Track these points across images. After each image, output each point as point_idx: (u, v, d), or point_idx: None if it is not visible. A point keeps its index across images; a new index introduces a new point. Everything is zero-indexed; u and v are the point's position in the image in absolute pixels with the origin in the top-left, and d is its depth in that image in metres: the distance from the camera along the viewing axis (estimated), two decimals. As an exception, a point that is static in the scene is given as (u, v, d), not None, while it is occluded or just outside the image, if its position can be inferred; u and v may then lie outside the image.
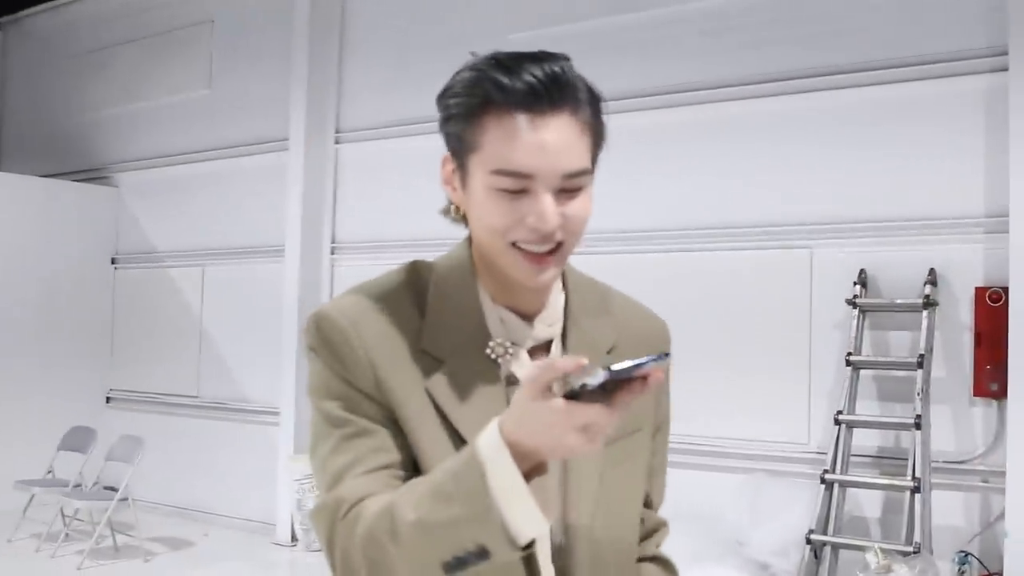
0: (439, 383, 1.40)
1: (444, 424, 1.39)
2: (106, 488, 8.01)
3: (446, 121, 1.43)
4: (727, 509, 6.24)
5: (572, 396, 1.16)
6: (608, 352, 1.52)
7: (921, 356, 5.86)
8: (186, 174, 9.85)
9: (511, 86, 1.34)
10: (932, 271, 6.01)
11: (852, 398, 6.14)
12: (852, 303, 6.20)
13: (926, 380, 5.86)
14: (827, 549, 5.94)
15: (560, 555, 1.44)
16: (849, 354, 6.14)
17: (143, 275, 10.29)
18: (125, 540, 8.06)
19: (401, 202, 8.21)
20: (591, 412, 1.17)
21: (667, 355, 1.25)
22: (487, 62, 1.38)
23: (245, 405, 9.31)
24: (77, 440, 8.54)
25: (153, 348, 9.97)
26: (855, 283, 6.23)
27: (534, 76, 1.34)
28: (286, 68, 8.92)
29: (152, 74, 10.31)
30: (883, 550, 5.42)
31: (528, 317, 1.48)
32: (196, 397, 9.70)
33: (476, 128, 1.37)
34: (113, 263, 10.51)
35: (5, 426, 9.18)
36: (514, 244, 1.38)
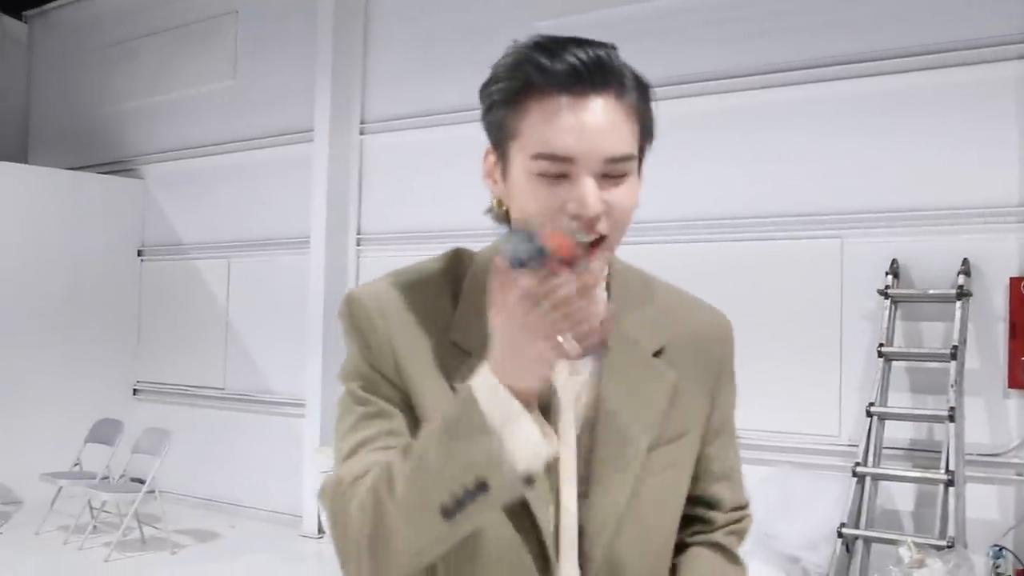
0: (463, 377, 1.30)
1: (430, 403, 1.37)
2: (133, 480, 8.01)
3: (488, 111, 1.38)
4: (756, 502, 6.16)
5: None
6: (655, 355, 1.47)
7: (955, 347, 5.76)
8: (211, 166, 9.84)
9: (552, 67, 1.30)
10: (965, 261, 5.91)
11: (884, 390, 6.05)
12: (884, 293, 6.10)
13: (959, 372, 5.76)
14: (859, 543, 5.85)
15: (579, 562, 1.39)
16: (881, 345, 6.05)
17: (169, 267, 10.29)
18: (152, 532, 8.06)
19: (427, 192, 8.17)
20: (523, 279, 1.17)
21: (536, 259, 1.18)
22: (529, 46, 1.33)
23: (271, 397, 9.29)
24: (104, 432, 8.55)
25: (179, 340, 9.97)
26: (887, 273, 6.13)
27: (576, 58, 1.29)
28: (310, 58, 8.89)
29: (177, 66, 10.30)
30: (916, 544, 5.33)
31: None
32: (222, 389, 9.70)
33: (517, 113, 1.32)
34: (139, 255, 10.52)
35: (32, 418, 9.19)
36: None
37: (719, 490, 1.56)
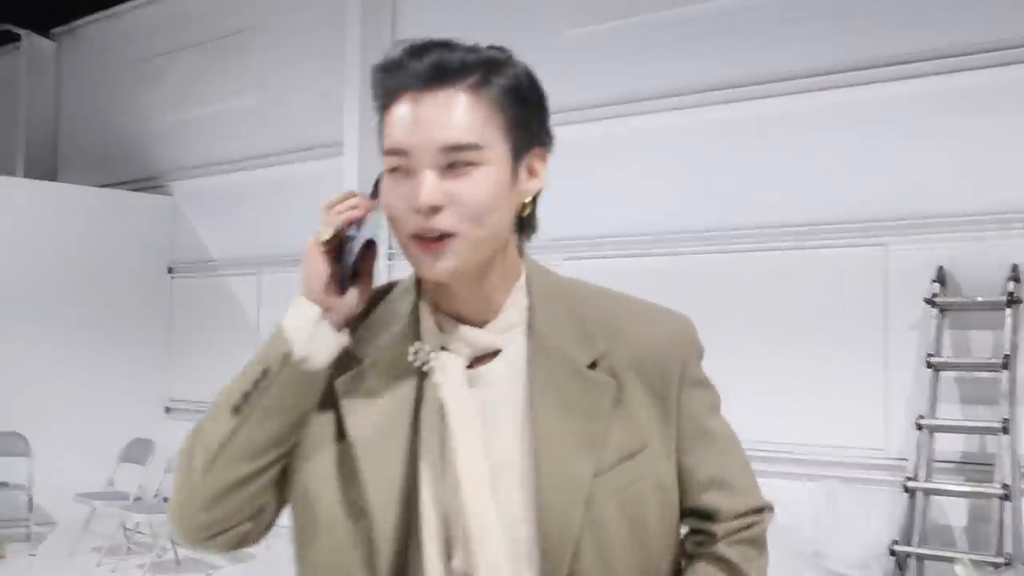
0: (344, 380, 1.39)
1: (335, 416, 1.39)
2: (167, 500, 7.91)
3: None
4: (803, 518, 6.02)
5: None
6: (591, 365, 1.39)
7: (1006, 356, 5.59)
8: (241, 181, 9.77)
9: (398, 71, 1.33)
10: (1015, 267, 5.74)
11: (933, 402, 5.88)
12: (931, 302, 5.93)
13: (1012, 381, 5.59)
14: (912, 561, 5.68)
15: None
16: (929, 355, 5.88)
17: (200, 283, 10.23)
18: (187, 553, 7.96)
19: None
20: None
21: (372, 242, 1.38)
22: (386, 55, 1.37)
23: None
24: (137, 452, 8.49)
25: (211, 357, 9.88)
26: (933, 281, 5.96)
27: (419, 58, 1.32)
28: (338, 71, 8.80)
29: (205, 81, 10.25)
30: (973, 561, 5.16)
31: (478, 324, 1.41)
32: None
33: (383, 119, 1.36)
34: (170, 272, 10.46)
35: (65, 438, 9.14)
36: (412, 237, 1.32)
37: (710, 499, 1.46)
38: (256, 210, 9.67)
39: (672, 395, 1.43)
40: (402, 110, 1.32)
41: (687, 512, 1.46)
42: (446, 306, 1.41)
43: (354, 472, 1.34)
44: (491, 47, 1.37)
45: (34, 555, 8.29)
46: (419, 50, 1.33)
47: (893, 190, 6.22)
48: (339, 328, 1.39)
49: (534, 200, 1.42)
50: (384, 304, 1.46)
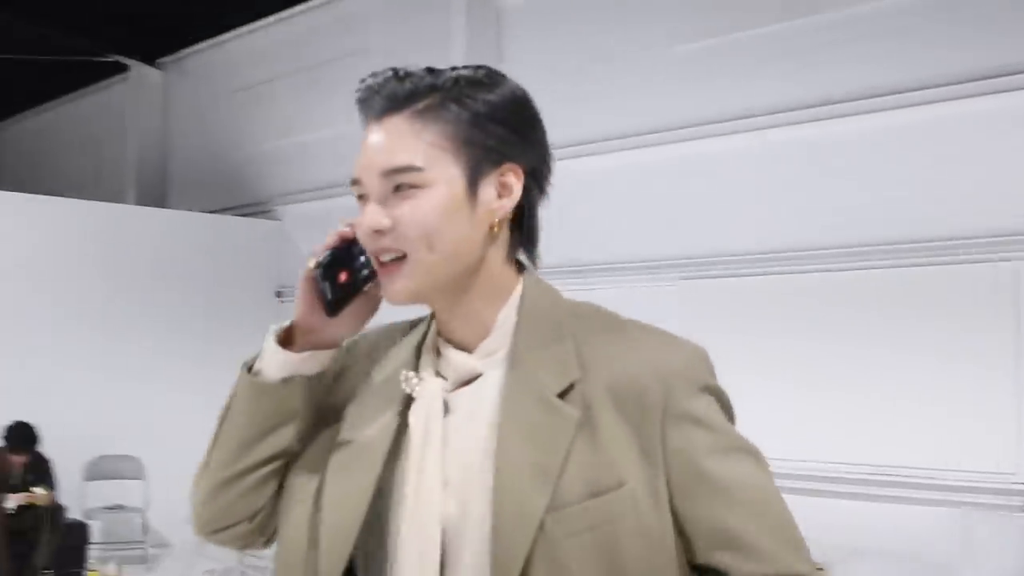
0: (353, 404, 1.45)
1: (331, 433, 1.44)
2: (279, 523, 7.95)
3: None
4: (932, 547, 5.82)
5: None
6: (560, 394, 1.31)
7: None
8: (347, 205, 9.64)
9: (362, 105, 1.38)
10: None
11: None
12: (1065, 321, 5.73)
13: None
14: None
15: None
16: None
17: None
18: (299, 576, 7.99)
19: (579, 225, 8.00)
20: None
21: (372, 274, 1.38)
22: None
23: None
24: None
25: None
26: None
27: (369, 88, 1.37)
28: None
29: (310, 106, 10.35)
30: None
31: (469, 347, 1.39)
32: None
33: None
34: (278, 296, 10.56)
35: (178, 461, 9.19)
36: (375, 258, 1.37)
37: (720, 560, 1.29)
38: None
39: (653, 430, 1.30)
40: (363, 142, 1.37)
41: (702, 568, 1.32)
42: (442, 331, 1.42)
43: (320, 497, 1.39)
44: (468, 67, 1.38)
45: (149, 577, 8.41)
46: (380, 83, 1.36)
47: (1018, 202, 6.02)
48: (321, 348, 1.44)
49: (522, 217, 1.42)
50: (415, 330, 1.49)
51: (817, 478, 6.35)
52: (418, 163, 1.32)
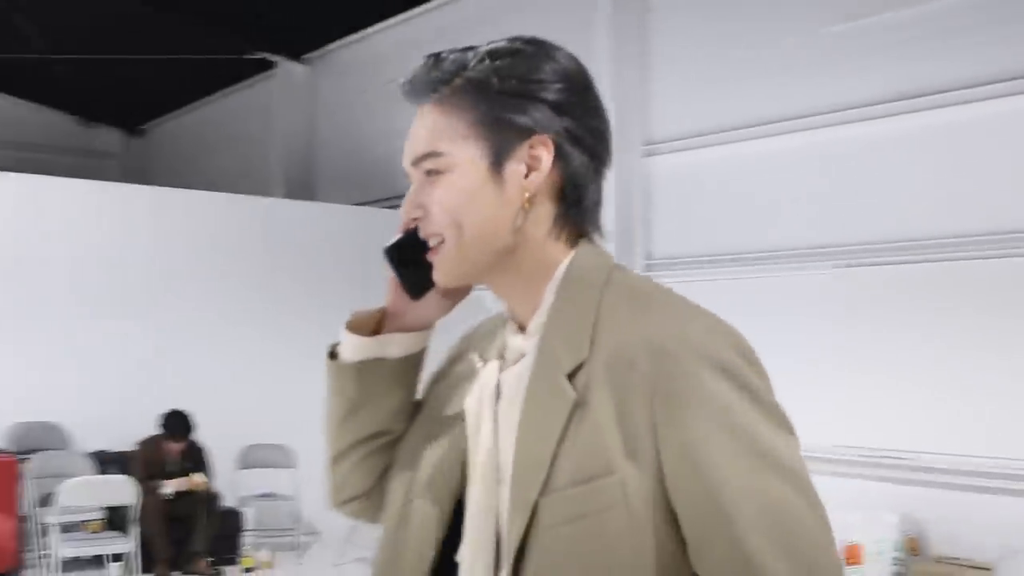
0: (438, 380, 1.51)
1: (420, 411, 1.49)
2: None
3: None
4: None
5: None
6: (569, 374, 1.23)
7: None
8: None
9: (405, 95, 1.41)
10: None
11: None
12: None
13: None
14: None
15: None
16: None
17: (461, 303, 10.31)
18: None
19: (722, 213, 7.84)
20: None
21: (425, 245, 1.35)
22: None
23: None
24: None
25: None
26: None
27: (410, 76, 1.39)
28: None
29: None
30: None
31: (524, 327, 1.35)
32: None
33: None
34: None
35: (323, 451, 9.35)
36: None
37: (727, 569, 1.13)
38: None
39: (638, 411, 1.17)
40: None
41: None
42: (508, 311, 1.41)
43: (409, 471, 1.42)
44: (503, 41, 1.38)
45: (301, 564, 8.53)
46: (418, 71, 1.39)
47: None
48: (408, 330, 1.48)
49: (566, 189, 1.34)
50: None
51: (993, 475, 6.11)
52: (440, 148, 1.33)
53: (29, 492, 7.48)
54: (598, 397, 1.20)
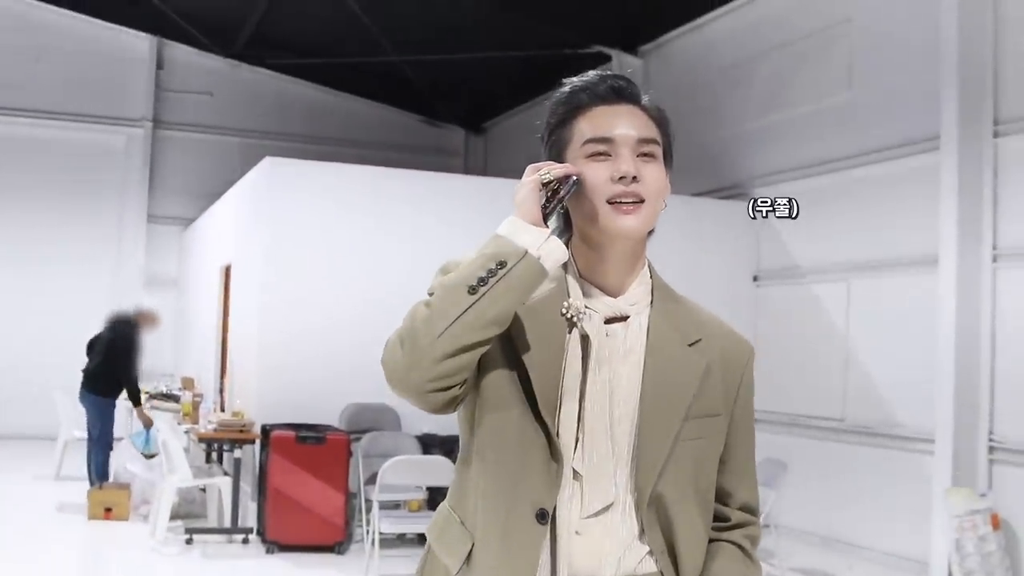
0: (514, 322, 1.81)
1: (505, 345, 1.84)
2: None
3: (549, 136, 1.95)
4: None
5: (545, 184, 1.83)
6: (690, 345, 1.93)
7: None
8: (828, 184, 9.28)
9: (593, 90, 1.90)
10: None
11: None
12: None
13: None
14: None
15: (634, 497, 1.87)
16: None
17: (784, 292, 9.92)
18: (768, 569, 7.65)
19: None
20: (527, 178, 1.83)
21: (577, 181, 1.83)
22: (572, 84, 1.93)
23: (895, 431, 8.54)
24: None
25: (794, 368, 9.51)
26: None
27: (607, 82, 1.91)
28: (933, 59, 8.10)
29: (790, 82, 9.96)
30: None
31: (611, 294, 1.92)
32: (841, 420, 9.11)
33: (570, 127, 1.91)
34: (755, 280, 10.26)
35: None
36: (609, 202, 1.84)
37: (728, 481, 1.98)
38: (844, 214, 9.16)
39: (734, 388, 1.97)
40: (601, 113, 1.89)
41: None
42: (590, 277, 1.93)
43: (519, 365, 1.85)
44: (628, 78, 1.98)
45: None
46: (604, 76, 1.92)
47: None
48: None
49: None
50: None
51: None
52: (659, 140, 1.91)
53: (358, 470, 7.75)
54: (715, 369, 1.93)
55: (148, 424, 9.32)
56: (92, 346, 10.05)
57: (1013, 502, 7.43)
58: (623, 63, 12.35)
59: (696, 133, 11.03)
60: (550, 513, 1.83)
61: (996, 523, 7.26)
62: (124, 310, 10.44)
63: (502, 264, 1.74)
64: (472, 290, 1.73)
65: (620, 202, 1.83)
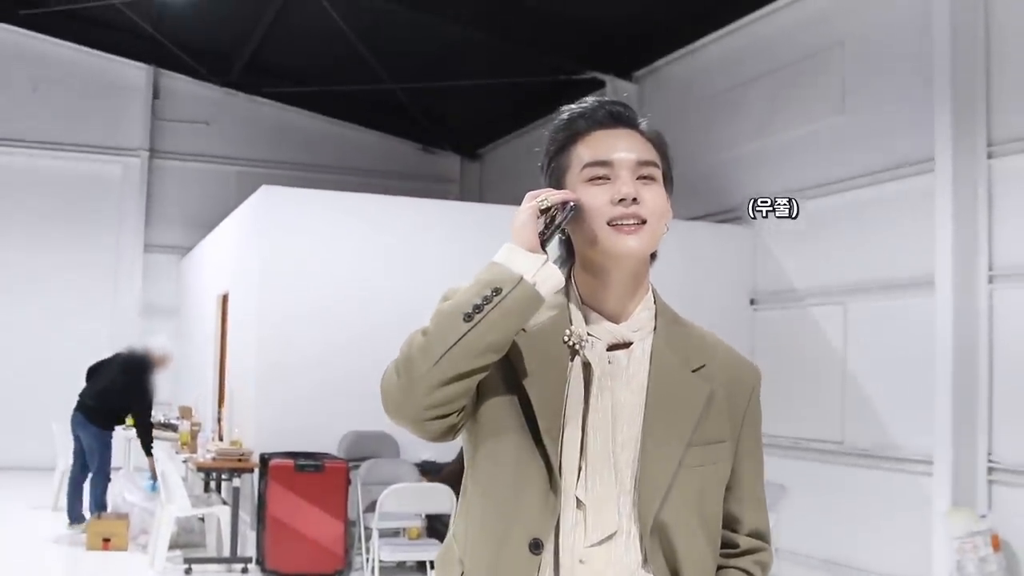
0: (514, 349, 1.82)
1: (506, 373, 1.84)
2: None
3: (548, 164, 1.96)
4: None
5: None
6: (694, 371, 1.92)
7: None
8: (823, 207, 9.30)
9: (591, 116, 1.92)
10: None
11: None
12: None
13: None
14: None
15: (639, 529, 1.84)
16: None
17: (782, 315, 9.93)
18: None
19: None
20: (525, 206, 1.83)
21: (574, 206, 1.84)
22: (570, 111, 1.94)
23: (894, 452, 8.53)
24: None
25: (793, 391, 9.50)
26: None
27: (605, 107, 1.92)
28: (926, 81, 8.14)
29: (782, 107, 10.00)
30: None
31: (615, 320, 1.91)
32: (840, 443, 9.10)
33: (569, 153, 1.91)
34: (752, 304, 10.27)
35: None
36: (610, 224, 1.82)
37: (736, 508, 1.96)
38: (839, 236, 9.18)
39: (740, 413, 1.96)
40: (599, 138, 1.90)
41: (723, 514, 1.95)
42: (593, 303, 1.92)
43: (520, 392, 1.84)
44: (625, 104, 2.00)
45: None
46: (602, 102, 1.94)
47: None
48: None
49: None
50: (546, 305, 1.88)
51: None
52: (659, 163, 1.92)
53: (357, 498, 7.73)
54: (720, 394, 1.92)
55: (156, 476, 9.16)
56: (94, 372, 9.98)
57: (1013, 523, 7.42)
58: (617, 88, 12.39)
59: (691, 157, 11.06)
60: (544, 544, 1.81)
61: (997, 544, 7.25)
62: (137, 350, 10.16)
63: (497, 291, 1.74)
64: (468, 317, 1.73)
65: (621, 223, 1.82)
